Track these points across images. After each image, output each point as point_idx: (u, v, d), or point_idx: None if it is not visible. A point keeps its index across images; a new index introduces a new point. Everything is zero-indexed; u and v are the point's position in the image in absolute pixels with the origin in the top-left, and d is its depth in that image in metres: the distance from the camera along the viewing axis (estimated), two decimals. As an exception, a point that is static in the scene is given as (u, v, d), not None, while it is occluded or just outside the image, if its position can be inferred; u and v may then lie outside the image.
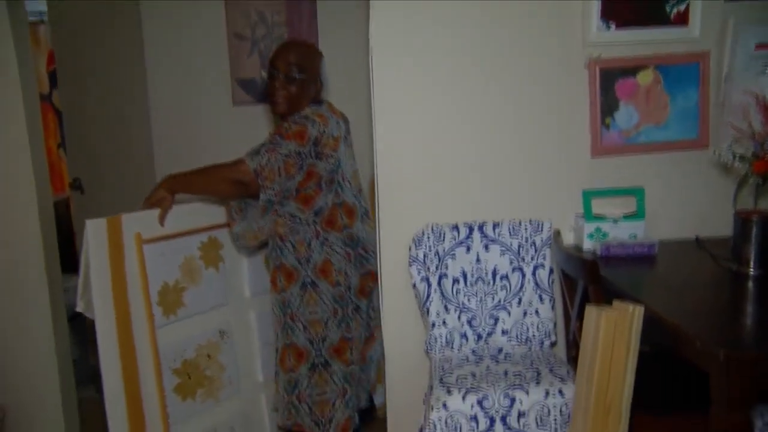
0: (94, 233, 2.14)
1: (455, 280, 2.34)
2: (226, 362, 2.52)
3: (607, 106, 2.39)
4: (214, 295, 2.53)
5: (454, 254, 2.34)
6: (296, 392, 2.44)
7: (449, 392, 2.01)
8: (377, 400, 2.93)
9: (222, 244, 2.55)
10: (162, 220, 2.32)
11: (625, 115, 2.40)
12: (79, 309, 2.19)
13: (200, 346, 2.45)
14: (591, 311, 1.75)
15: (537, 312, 2.33)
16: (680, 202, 2.44)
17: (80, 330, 3.63)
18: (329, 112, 2.43)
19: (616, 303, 1.73)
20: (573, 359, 2.16)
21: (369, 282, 2.50)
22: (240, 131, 3.73)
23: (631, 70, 2.38)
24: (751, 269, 1.99)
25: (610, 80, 2.38)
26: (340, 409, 2.43)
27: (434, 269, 2.33)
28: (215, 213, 2.51)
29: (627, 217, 2.34)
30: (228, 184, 2.28)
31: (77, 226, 3.10)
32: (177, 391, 2.36)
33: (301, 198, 2.36)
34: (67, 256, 3.03)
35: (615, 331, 1.68)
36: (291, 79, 2.38)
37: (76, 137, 3.33)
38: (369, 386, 2.63)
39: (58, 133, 3.18)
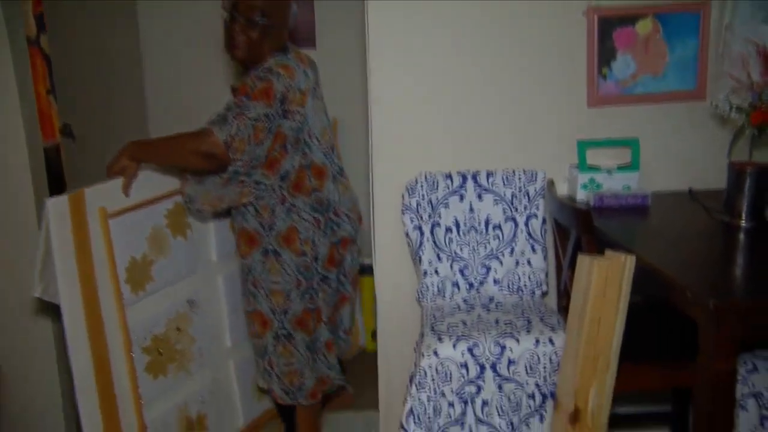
0: (55, 212, 1.97)
1: (448, 229, 2.34)
2: (195, 333, 2.43)
3: (605, 55, 2.36)
4: (183, 264, 2.40)
5: (447, 203, 2.34)
6: (267, 358, 2.38)
7: (440, 340, 2.03)
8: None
9: (187, 210, 2.40)
10: (126, 189, 2.15)
11: (623, 65, 2.37)
12: (36, 294, 2.03)
13: (170, 319, 2.34)
14: (583, 260, 1.75)
15: (529, 262, 2.34)
16: (675, 154, 2.43)
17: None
18: (296, 62, 2.24)
19: (608, 252, 1.74)
20: (564, 309, 2.18)
21: (340, 249, 2.37)
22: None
23: (629, 18, 2.34)
24: (743, 221, 2.00)
25: (608, 29, 2.34)
26: (309, 377, 2.37)
27: (427, 218, 2.33)
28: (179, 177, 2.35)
29: (621, 168, 2.33)
30: (197, 157, 2.09)
31: (68, 173, 3.08)
32: (148, 370, 2.25)
33: (267, 163, 2.19)
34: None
35: (606, 279, 1.69)
36: (253, 23, 2.18)
37: (66, 83, 3.27)
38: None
39: (48, 78, 3.12)
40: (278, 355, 2.34)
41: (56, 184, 2.78)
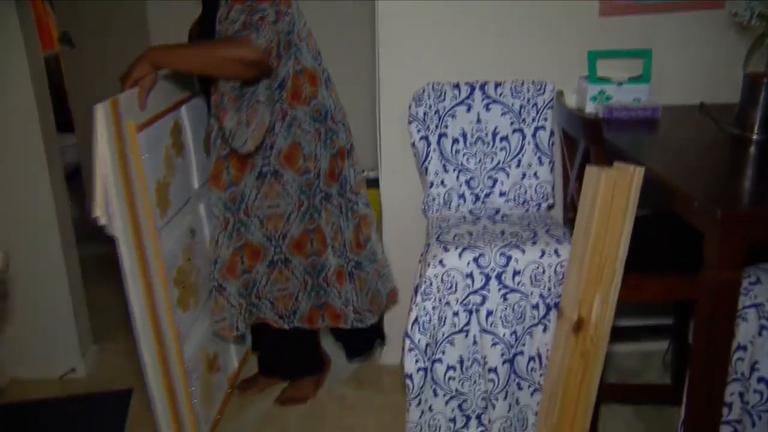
0: (104, 121, 1.67)
1: (455, 140, 2.32)
2: (199, 264, 2.25)
3: (620, -39, 2.28)
4: (184, 188, 2.19)
5: (454, 113, 2.30)
6: (255, 291, 2.26)
7: (446, 249, 2.04)
8: None
9: (181, 127, 2.19)
10: (142, 101, 1.92)
11: (638, -28, 2.29)
12: (102, 223, 1.74)
13: (183, 249, 2.13)
14: (591, 170, 1.74)
15: (536, 174, 2.32)
16: (688, 66, 2.38)
17: (78, 189, 3.64)
18: None
19: (616, 164, 1.72)
20: (570, 222, 2.17)
21: (338, 161, 2.21)
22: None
23: None
24: (756, 134, 1.96)
25: (625, -68, 2.25)
26: (303, 300, 2.28)
27: (434, 128, 2.30)
28: (173, 86, 2.12)
29: (632, 80, 2.29)
30: (239, 65, 1.90)
31: (69, 82, 3.03)
32: (179, 304, 2.08)
33: None
34: (61, 114, 2.97)
35: (614, 190, 1.68)
36: None
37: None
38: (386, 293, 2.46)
39: (44, -16, 3.04)
40: (272, 282, 2.24)
41: (57, 95, 2.74)
